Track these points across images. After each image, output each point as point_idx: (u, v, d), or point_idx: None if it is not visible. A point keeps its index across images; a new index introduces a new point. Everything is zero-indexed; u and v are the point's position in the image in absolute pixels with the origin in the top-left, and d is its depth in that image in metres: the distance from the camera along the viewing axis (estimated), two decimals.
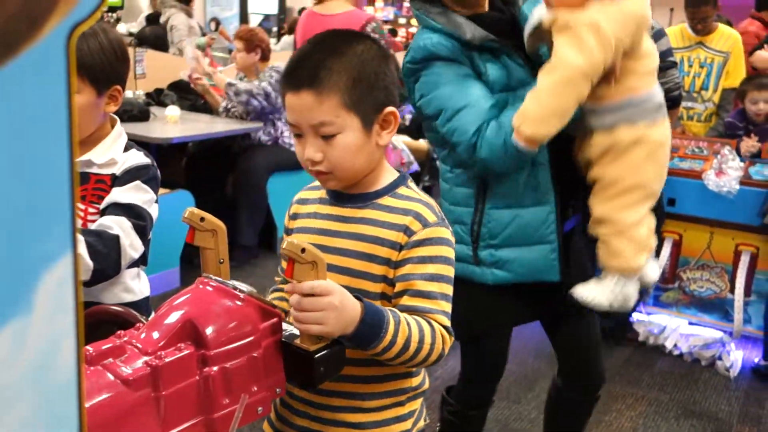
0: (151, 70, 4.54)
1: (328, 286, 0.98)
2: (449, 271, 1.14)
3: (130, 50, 4.47)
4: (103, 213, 1.41)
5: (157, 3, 7.05)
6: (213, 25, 9.45)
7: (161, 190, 3.57)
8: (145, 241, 1.44)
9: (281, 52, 6.21)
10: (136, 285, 1.52)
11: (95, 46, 1.39)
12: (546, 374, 2.93)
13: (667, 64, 2.78)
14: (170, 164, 4.18)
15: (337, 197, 1.20)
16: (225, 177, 4.18)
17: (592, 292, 1.71)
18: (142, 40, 5.89)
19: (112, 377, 0.84)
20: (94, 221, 1.42)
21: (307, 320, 0.98)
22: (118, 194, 1.41)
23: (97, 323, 1.07)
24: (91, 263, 1.32)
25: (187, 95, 4.51)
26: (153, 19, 6.61)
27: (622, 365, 3.07)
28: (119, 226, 1.37)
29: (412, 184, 1.21)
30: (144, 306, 1.54)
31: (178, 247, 3.57)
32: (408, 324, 1.07)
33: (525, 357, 3.12)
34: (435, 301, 1.11)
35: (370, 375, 1.17)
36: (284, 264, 0.99)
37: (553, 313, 1.91)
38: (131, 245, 1.38)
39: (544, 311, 1.91)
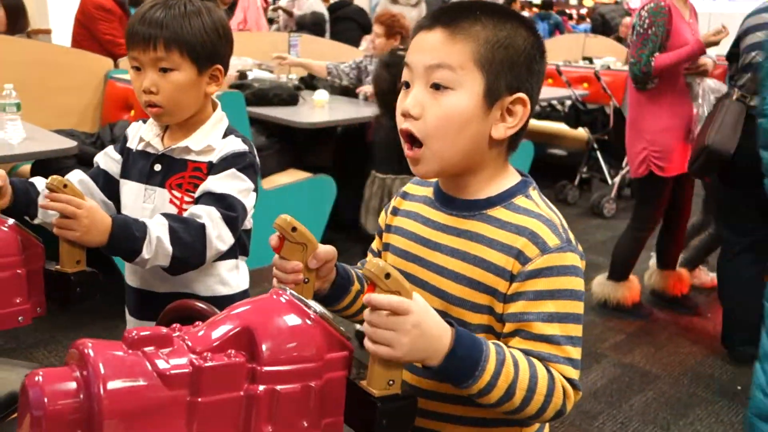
0: (308, 54, 4.60)
1: (409, 305, 0.81)
2: (576, 308, 0.91)
3: (284, 35, 4.58)
4: (196, 202, 1.36)
5: None
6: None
7: (304, 174, 3.66)
8: (236, 232, 1.37)
9: None
10: (233, 277, 1.46)
11: (197, 24, 1.35)
12: (703, 400, 2.59)
13: None
14: (318, 148, 4.21)
15: (444, 200, 1.01)
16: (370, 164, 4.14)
17: None
18: (301, 25, 6.01)
19: (149, 366, 0.76)
20: None
21: (375, 337, 0.82)
22: (212, 182, 1.35)
23: (179, 320, 1.02)
24: (170, 248, 1.27)
25: (358, 82, 4.51)
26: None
27: None
28: (208, 215, 1.31)
29: (534, 192, 0.99)
30: (240, 300, 1.47)
31: (318, 232, 3.59)
32: (516, 365, 0.86)
33: (680, 377, 2.78)
34: (557, 347, 0.89)
35: (468, 416, 0.98)
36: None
37: None
38: (219, 236, 1.32)
39: None
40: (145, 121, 1.48)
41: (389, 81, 2.51)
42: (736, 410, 2.55)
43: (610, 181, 4.88)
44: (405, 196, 1.10)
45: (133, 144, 1.47)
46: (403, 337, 0.81)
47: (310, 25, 5.82)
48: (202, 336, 0.82)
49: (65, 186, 1.20)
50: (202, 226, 1.30)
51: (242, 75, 4.17)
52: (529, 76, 0.95)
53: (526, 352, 0.89)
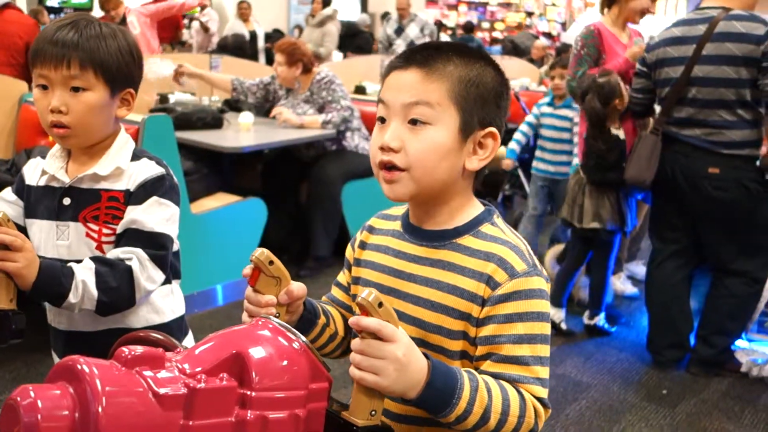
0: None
1: (396, 333, 0.84)
2: (543, 329, 0.96)
3: (205, 57, 4.51)
4: (120, 237, 1.32)
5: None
6: (297, 32, 9.56)
7: (233, 198, 3.59)
8: (166, 270, 1.34)
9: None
10: (167, 304, 1.42)
11: (113, 46, 1.31)
12: (633, 406, 2.71)
13: None
14: (245, 171, 4.16)
15: (413, 231, 1.04)
16: (299, 185, 4.12)
17: None
18: (223, 47, 5.94)
19: (144, 386, 0.74)
20: (109, 243, 1.33)
21: (362, 365, 0.84)
22: (137, 215, 1.31)
23: None
24: (95, 293, 1.24)
25: (264, 101, 4.48)
26: None
27: (720, 398, 2.79)
28: (137, 257, 1.29)
29: (498, 219, 1.04)
30: (177, 326, 1.43)
31: (250, 255, 3.52)
32: (488, 390, 0.90)
33: (609, 385, 2.89)
34: (526, 368, 0.93)
35: None
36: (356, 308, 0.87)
37: None
38: (148, 278, 1.30)
39: None
40: (44, 157, 1.41)
41: (603, 102, 3.02)
42: (664, 413, 2.67)
43: None
44: (371, 230, 1.12)
45: (32, 180, 1.39)
46: (391, 365, 0.83)
47: (232, 47, 5.77)
48: (192, 359, 0.81)
49: (8, 220, 1.19)
50: (129, 270, 1.28)
51: (163, 98, 4.07)
52: (498, 111, 1.01)
53: (498, 375, 0.93)
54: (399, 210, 1.10)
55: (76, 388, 0.70)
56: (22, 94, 3.46)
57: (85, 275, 1.23)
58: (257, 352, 0.82)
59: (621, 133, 3.08)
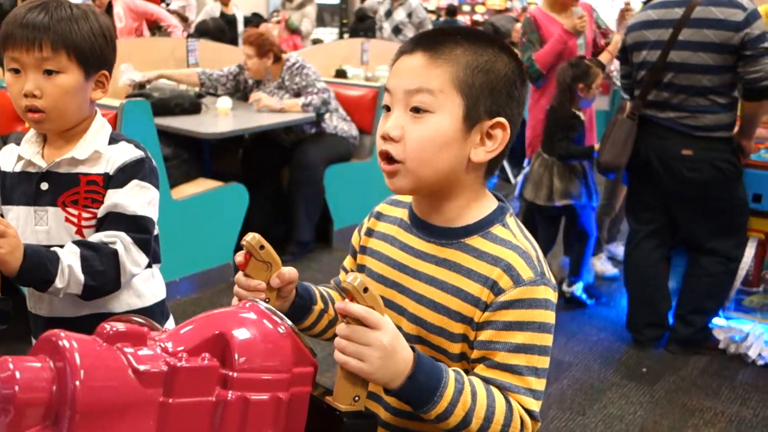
0: (209, 61, 4.49)
1: (381, 320, 0.83)
2: (543, 341, 0.92)
3: (182, 41, 4.45)
4: (102, 220, 1.31)
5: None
6: (275, 16, 9.47)
7: (214, 183, 3.56)
8: (149, 253, 1.34)
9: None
10: (148, 288, 1.42)
11: (86, 27, 1.30)
12: (614, 384, 2.75)
13: (759, 51, 2.53)
14: (225, 157, 4.13)
15: (420, 225, 1.01)
16: (280, 170, 4.10)
17: None
18: (203, 32, 5.86)
19: (124, 362, 0.74)
20: (89, 227, 1.32)
21: (347, 350, 0.83)
22: (119, 198, 1.30)
23: None
24: (82, 277, 1.24)
25: (235, 92, 4.43)
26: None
27: (698, 375, 2.83)
28: (121, 241, 1.28)
29: (510, 219, 0.99)
30: (158, 310, 1.43)
31: (231, 241, 3.52)
32: (473, 395, 0.88)
33: (590, 363, 2.93)
34: (519, 377, 0.90)
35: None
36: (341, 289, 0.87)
37: None
38: (133, 261, 1.30)
39: None
40: (18, 143, 1.39)
41: (570, 77, 3.13)
42: (644, 391, 2.72)
43: (513, 181, 5.08)
44: (379, 216, 1.09)
45: (8, 167, 1.37)
46: (376, 352, 0.82)
47: (214, 31, 5.70)
48: (175, 339, 0.81)
49: None
50: (115, 253, 1.27)
51: (141, 86, 4.01)
52: (509, 100, 0.96)
53: (489, 380, 0.91)
54: (408, 196, 1.07)
55: (57, 362, 0.70)
56: None
57: (70, 260, 1.23)
58: (241, 334, 0.82)
59: (582, 115, 3.17)
